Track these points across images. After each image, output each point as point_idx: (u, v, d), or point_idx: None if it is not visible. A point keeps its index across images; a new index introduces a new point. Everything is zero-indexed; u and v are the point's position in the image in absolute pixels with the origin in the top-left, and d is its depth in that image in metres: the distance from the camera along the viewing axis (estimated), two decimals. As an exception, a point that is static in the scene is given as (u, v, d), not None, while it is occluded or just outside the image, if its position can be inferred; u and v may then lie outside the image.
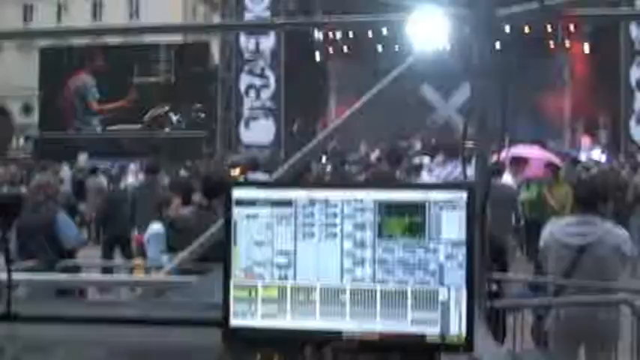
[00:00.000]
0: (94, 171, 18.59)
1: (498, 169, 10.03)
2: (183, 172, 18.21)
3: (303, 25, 11.11)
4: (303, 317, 1.87)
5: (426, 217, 1.82)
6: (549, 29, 31.37)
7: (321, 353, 1.82)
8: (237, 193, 1.91)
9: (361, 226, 1.85)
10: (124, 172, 19.02)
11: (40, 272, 6.28)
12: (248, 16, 29.98)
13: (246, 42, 31.07)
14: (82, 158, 24.90)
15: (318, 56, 32.88)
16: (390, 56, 29.82)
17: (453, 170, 8.03)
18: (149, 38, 32.31)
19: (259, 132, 31.17)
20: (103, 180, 18.99)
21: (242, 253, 1.90)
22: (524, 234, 12.40)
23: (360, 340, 1.84)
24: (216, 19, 36.40)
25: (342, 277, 1.86)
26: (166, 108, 32.18)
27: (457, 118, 33.19)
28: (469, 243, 1.81)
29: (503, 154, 10.97)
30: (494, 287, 5.30)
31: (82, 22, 42.83)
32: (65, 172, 21.24)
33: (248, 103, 31.49)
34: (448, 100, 34.34)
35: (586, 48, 30.32)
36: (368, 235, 1.85)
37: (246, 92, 31.47)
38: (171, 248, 7.35)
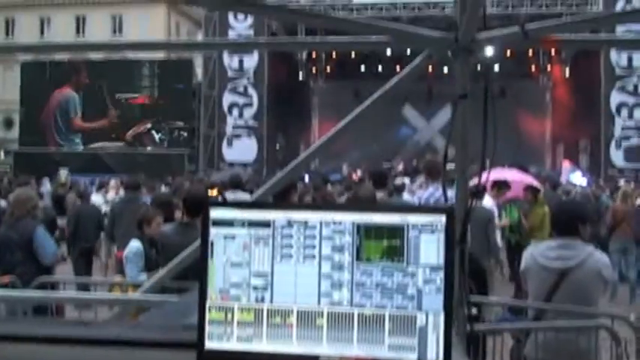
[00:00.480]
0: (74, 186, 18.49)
1: (479, 192, 10.02)
2: (164, 189, 18.10)
3: (286, 44, 11.11)
4: (279, 341, 1.84)
5: (404, 240, 1.80)
6: (530, 53, 31.69)
7: (297, 377, 1.78)
8: (215, 213, 1.89)
9: (340, 249, 1.83)
10: (104, 186, 18.91)
11: (18, 289, 6.21)
12: (231, 34, 30.05)
13: (230, 60, 31.13)
14: (63, 173, 24.78)
15: (301, 75, 32.96)
16: (373, 76, 30.03)
17: (434, 192, 7.99)
18: (132, 54, 32.31)
19: (242, 150, 31.17)
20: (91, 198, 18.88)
21: (218, 274, 1.87)
22: (504, 256, 12.42)
23: (337, 365, 1.81)
24: (200, 37, 36.41)
25: (319, 300, 1.83)
26: (149, 125, 32.10)
27: (439, 139, 33.38)
28: (448, 267, 1.79)
29: (484, 177, 10.98)
30: (474, 311, 5.27)
31: (65, 37, 42.68)
32: (46, 186, 21.12)
33: (231, 121, 31.52)
34: (430, 121, 34.54)
35: (567, 72, 30.60)
36: (346, 257, 1.83)
37: (229, 110, 31.49)
38: (151, 266, 7.30)
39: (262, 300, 1.85)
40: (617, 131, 27.84)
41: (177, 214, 9.46)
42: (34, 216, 7.57)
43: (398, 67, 29.27)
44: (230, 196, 10.42)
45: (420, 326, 1.79)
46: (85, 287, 8.09)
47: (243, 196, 11.66)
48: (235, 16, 30.23)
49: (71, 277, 10.24)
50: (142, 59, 32.55)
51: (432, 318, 1.79)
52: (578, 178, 24.08)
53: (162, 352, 1.95)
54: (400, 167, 27.90)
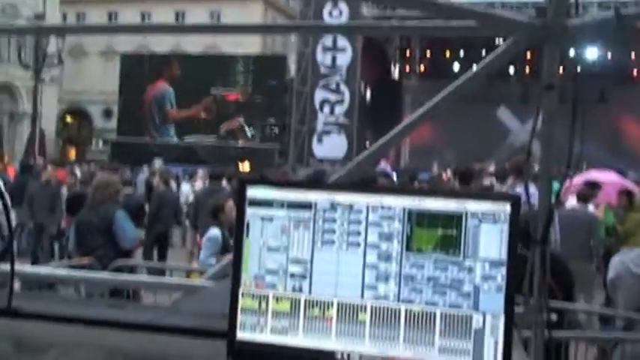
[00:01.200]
0: (164, 175, 18.82)
1: (584, 196, 9.83)
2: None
3: (369, 29, 10.84)
4: (317, 335, 1.65)
5: (462, 230, 1.58)
6: (633, 56, 30.45)
7: (334, 377, 1.58)
8: (252, 192, 1.71)
9: (388, 237, 1.62)
10: (189, 175, 19.19)
11: (95, 270, 6.23)
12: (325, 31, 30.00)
13: (323, 57, 31.09)
14: (158, 163, 25.30)
15: (394, 73, 32.64)
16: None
17: (521, 193, 7.61)
18: (228, 49, 32.76)
19: (332, 146, 31.08)
20: (172, 184, 19.23)
21: (254, 259, 1.70)
22: (601, 262, 11.85)
23: (380, 366, 1.60)
24: (294, 34, 36.41)
25: (362, 293, 1.63)
26: (241, 120, 32.40)
27: (534, 142, 32.45)
28: (511, 263, 1.55)
29: (577, 179, 10.57)
30: (554, 317, 4.94)
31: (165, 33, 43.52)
32: (145, 175, 21.61)
33: (322, 117, 31.47)
34: (525, 123, 33.62)
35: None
36: (395, 247, 1.62)
37: (321, 107, 31.45)
38: (227, 252, 7.24)
39: (300, 289, 1.67)
40: None
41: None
42: (115, 201, 7.61)
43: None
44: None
45: (477, 328, 1.56)
46: (161, 272, 8.11)
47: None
48: (330, 13, 30.17)
49: (148, 262, 10.32)
50: (237, 54, 32.94)
51: (490, 320, 1.56)
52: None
53: (193, 340, 1.79)
54: (491, 168, 27.20)
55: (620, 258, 5.24)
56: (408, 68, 33.67)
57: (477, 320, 1.56)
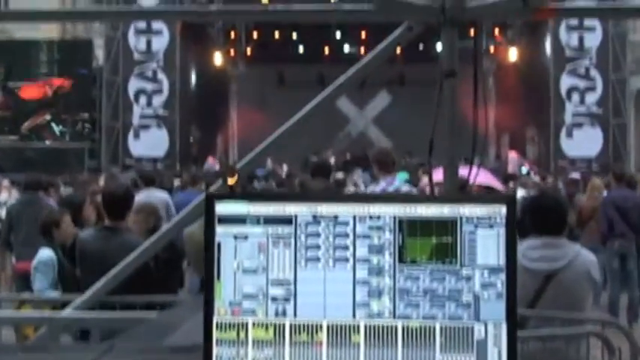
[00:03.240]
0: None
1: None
2: (64, 189, 17.54)
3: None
4: (305, 363, 1.68)
5: (457, 236, 1.67)
6: (472, 34, 32.05)
7: (330, 408, 1.62)
8: (221, 208, 1.71)
9: (378, 249, 1.68)
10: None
11: None
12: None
13: (136, 41, 30.44)
14: (-62, 174, 23.83)
15: (218, 59, 32.53)
16: (298, 60, 29.90)
17: (386, 187, 7.88)
18: (22, 34, 31.35)
19: (151, 143, 30.47)
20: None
21: (228, 284, 1.70)
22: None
23: (378, 391, 1.66)
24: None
25: (354, 312, 1.68)
26: (48, 117, 31.08)
27: (373, 129, 33.52)
28: (510, 268, 1.66)
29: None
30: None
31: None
32: None
33: (138, 110, 30.80)
34: (363, 109, 34.62)
35: (512, 55, 30.94)
36: (386, 259, 1.68)
37: (136, 98, 30.78)
38: (64, 278, 6.96)
39: (284, 313, 1.69)
40: (569, 118, 28.23)
41: (88, 216, 9.14)
42: None
43: (327, 49, 29.26)
44: (142, 196, 10.07)
45: (479, 339, 1.66)
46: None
47: (159, 195, 11.38)
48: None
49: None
50: (36, 38, 31.53)
51: (493, 329, 1.66)
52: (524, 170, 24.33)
53: None
54: (332, 161, 27.80)
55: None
56: (233, 52, 33.62)
57: (478, 331, 1.66)
